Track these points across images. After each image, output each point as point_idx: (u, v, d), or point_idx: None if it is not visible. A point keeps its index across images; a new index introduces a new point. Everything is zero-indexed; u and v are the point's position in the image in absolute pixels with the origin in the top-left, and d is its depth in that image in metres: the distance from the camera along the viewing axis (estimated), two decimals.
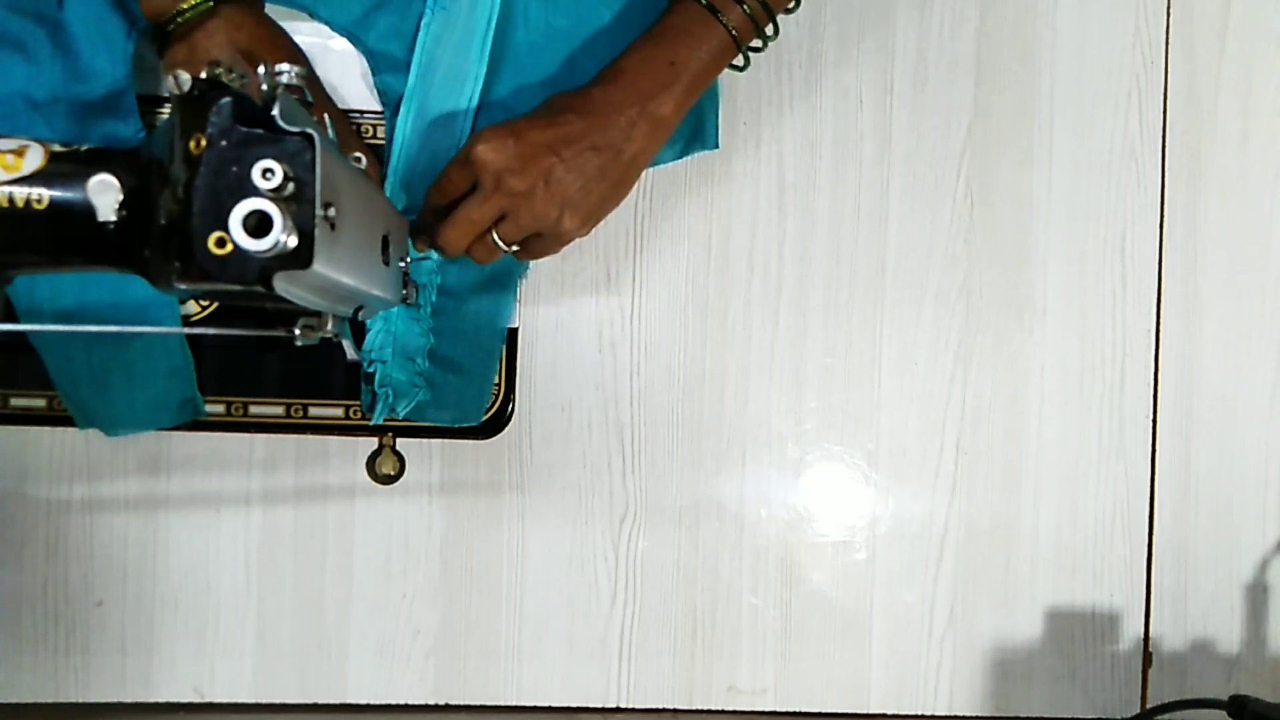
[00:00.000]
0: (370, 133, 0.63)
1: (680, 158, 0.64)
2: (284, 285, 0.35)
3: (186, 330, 0.60)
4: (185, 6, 0.54)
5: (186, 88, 0.36)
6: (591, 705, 0.65)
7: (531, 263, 0.63)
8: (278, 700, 0.64)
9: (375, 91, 0.62)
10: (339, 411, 0.63)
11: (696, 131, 0.64)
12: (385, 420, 0.62)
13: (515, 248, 0.56)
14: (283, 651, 0.64)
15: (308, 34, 0.61)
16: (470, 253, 0.56)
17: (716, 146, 0.64)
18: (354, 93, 0.62)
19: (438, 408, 0.62)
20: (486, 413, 0.64)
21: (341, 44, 0.62)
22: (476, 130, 0.58)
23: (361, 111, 0.62)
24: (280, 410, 0.62)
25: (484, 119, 0.60)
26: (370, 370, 0.61)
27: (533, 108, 0.56)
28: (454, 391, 0.62)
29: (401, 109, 0.60)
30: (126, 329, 0.59)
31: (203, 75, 0.36)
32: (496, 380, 0.64)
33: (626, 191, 0.56)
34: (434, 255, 0.60)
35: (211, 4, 0.54)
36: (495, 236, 0.55)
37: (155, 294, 0.59)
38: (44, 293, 0.59)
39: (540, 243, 0.56)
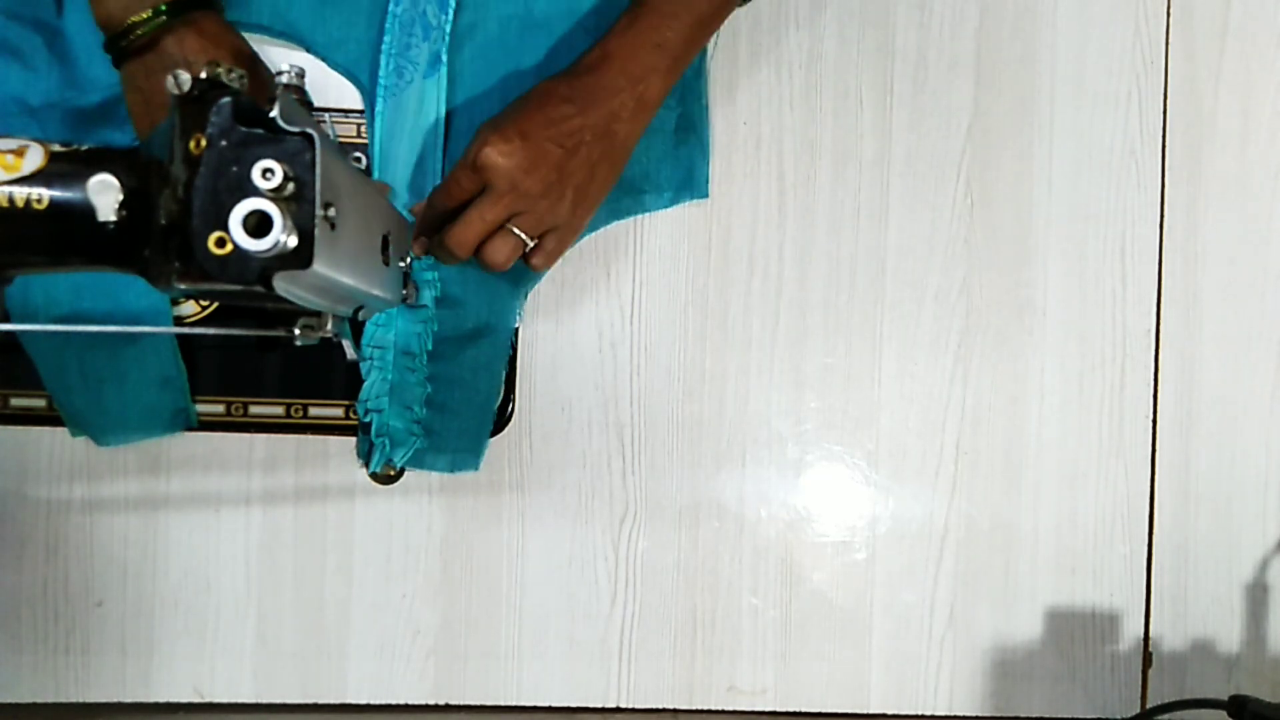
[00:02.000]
0: (358, 133, 0.63)
1: (671, 205, 0.65)
2: (284, 285, 0.35)
3: (186, 330, 0.60)
4: (138, 20, 0.50)
5: (186, 88, 0.36)
6: (591, 705, 0.65)
7: (526, 307, 0.64)
8: (278, 700, 0.64)
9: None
10: (339, 411, 0.63)
11: (687, 179, 0.65)
12: (383, 469, 0.62)
13: (533, 243, 0.55)
14: (283, 651, 0.64)
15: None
16: (487, 254, 0.54)
17: (706, 195, 0.65)
18: (350, 93, 0.62)
19: (435, 454, 0.62)
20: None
21: None
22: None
23: (353, 111, 0.62)
24: (280, 410, 0.62)
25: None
26: (366, 420, 0.61)
27: (522, 95, 0.55)
28: (452, 438, 0.62)
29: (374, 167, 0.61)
30: (126, 329, 0.59)
31: (203, 75, 0.36)
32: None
33: (620, 173, 0.57)
34: (430, 304, 0.60)
35: (165, 19, 0.50)
36: (515, 229, 0.54)
37: (150, 303, 0.60)
38: (39, 300, 0.59)
39: (553, 237, 0.56)
